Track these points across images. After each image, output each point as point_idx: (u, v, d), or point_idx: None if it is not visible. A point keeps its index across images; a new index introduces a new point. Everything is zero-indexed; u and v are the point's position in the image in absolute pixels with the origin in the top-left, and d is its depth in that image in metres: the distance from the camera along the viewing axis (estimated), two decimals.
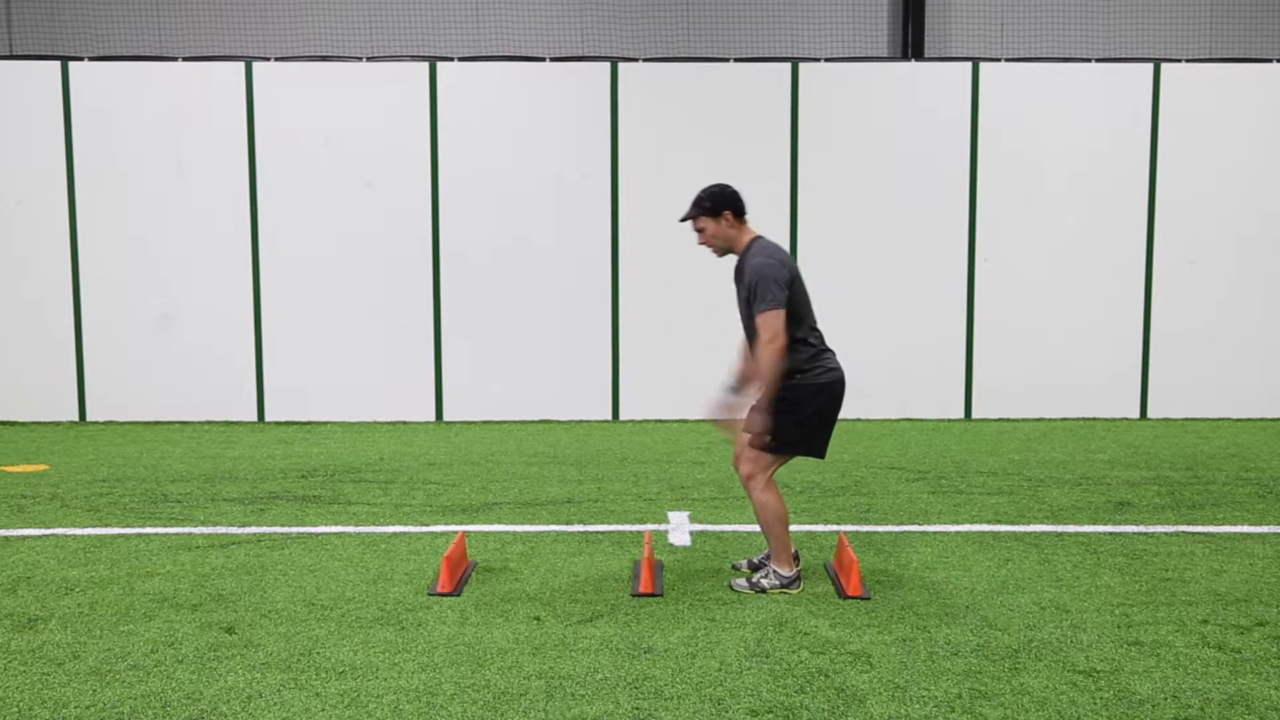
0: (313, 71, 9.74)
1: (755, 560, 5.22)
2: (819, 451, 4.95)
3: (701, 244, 4.97)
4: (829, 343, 4.97)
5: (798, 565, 5.02)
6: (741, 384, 5.05)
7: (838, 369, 4.92)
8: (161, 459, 8.09)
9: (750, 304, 4.77)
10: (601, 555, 5.50)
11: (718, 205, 4.86)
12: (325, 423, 9.79)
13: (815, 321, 4.93)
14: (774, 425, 4.78)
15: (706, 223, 4.89)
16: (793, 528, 6.00)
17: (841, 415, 5.09)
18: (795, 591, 4.88)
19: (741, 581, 4.95)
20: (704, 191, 4.91)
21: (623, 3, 11.83)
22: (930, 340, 9.96)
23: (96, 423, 9.79)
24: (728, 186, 4.90)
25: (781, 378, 4.76)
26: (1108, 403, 10.03)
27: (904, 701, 3.69)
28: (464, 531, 5.54)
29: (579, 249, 9.82)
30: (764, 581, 4.89)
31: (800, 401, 4.81)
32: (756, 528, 6.00)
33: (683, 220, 4.98)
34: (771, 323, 4.69)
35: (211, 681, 3.86)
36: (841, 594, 4.81)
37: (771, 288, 4.69)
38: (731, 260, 5.01)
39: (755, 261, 4.79)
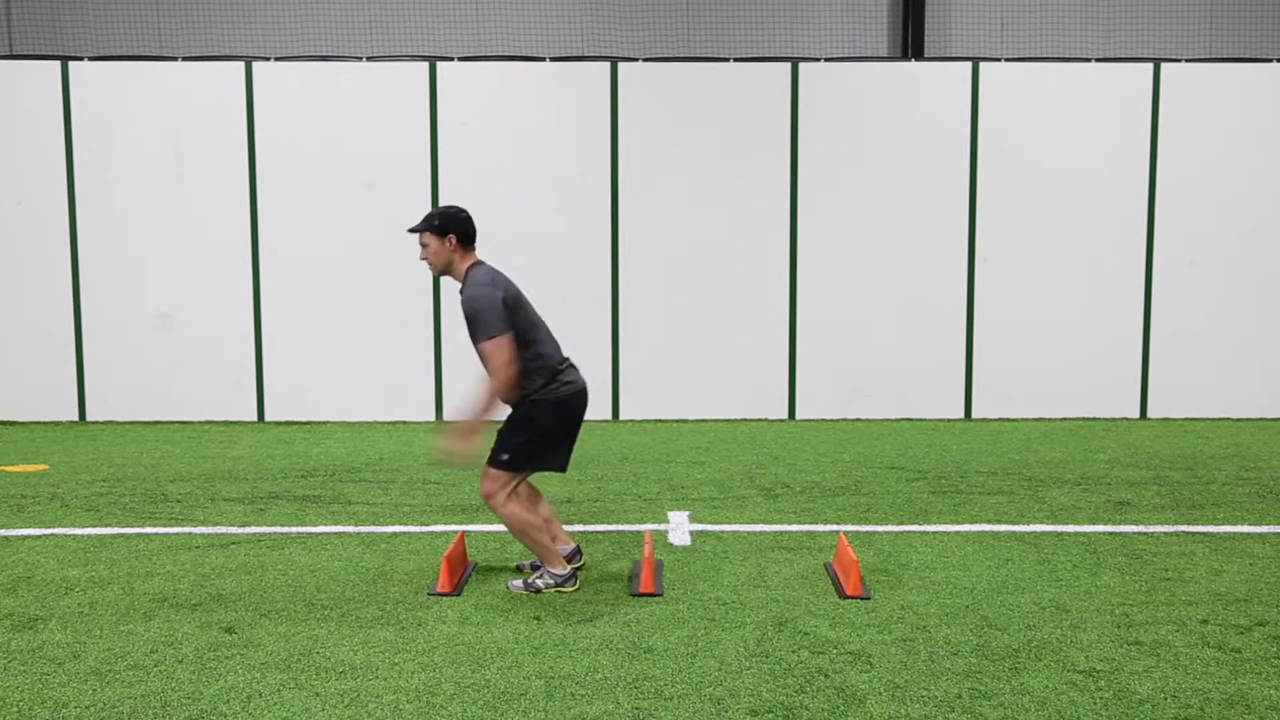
0: (313, 71, 9.74)
1: (536, 562, 5.19)
2: (559, 466, 4.98)
3: (422, 259, 4.97)
4: (575, 359, 4.94)
5: (578, 561, 5.08)
6: (478, 411, 4.87)
7: (576, 381, 4.93)
8: (161, 459, 8.09)
9: (473, 336, 4.76)
10: (601, 555, 5.50)
11: (445, 226, 4.88)
12: (325, 423, 9.79)
13: (548, 336, 4.93)
14: (511, 442, 4.82)
15: (431, 240, 4.89)
16: (793, 527, 6.00)
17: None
18: (570, 590, 4.89)
19: (517, 582, 4.96)
20: (437, 210, 4.94)
21: (623, 3, 11.83)
22: (930, 340, 9.96)
23: (96, 423, 9.79)
24: (463, 211, 4.94)
25: (517, 397, 4.81)
26: (1108, 403, 10.03)
27: (904, 701, 3.68)
28: (464, 531, 5.54)
29: (579, 248, 9.82)
30: (539, 582, 4.91)
31: (537, 417, 4.83)
32: (756, 527, 6.01)
33: (410, 230, 5.01)
34: (497, 352, 4.71)
35: (211, 681, 3.86)
36: (841, 594, 4.81)
37: (487, 316, 4.71)
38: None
39: (467, 293, 4.81)
